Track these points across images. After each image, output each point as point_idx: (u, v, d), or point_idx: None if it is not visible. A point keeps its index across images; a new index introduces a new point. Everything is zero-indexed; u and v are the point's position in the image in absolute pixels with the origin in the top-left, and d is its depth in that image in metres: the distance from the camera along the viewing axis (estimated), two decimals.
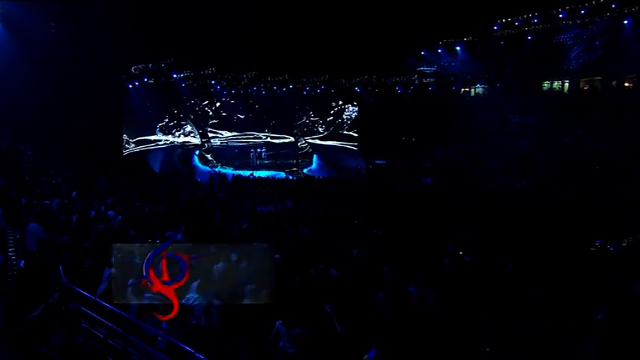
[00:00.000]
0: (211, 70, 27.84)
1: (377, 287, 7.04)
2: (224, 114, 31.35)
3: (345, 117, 32.65)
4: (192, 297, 5.05)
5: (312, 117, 32.62)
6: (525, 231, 12.34)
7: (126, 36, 21.57)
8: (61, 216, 9.34)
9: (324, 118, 32.72)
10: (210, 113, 31.16)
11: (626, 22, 23.24)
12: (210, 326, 4.90)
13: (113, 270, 6.03)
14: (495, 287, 8.04)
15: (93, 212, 10.96)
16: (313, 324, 5.03)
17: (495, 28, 27.75)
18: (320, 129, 32.79)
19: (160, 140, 29.23)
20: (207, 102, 30.75)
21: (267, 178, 25.12)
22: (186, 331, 4.76)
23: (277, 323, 4.75)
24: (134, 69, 26.01)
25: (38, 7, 19.68)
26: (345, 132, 32.59)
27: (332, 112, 32.67)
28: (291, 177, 27.54)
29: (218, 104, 31.08)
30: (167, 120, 29.41)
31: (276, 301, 5.45)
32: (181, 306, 4.97)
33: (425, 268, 8.45)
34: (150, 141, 28.65)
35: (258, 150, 31.43)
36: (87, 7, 20.11)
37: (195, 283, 5.49)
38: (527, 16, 26.50)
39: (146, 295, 5.22)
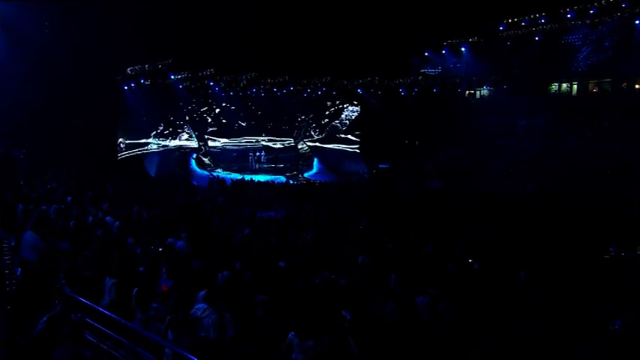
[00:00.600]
0: (210, 71, 27.84)
1: (385, 297, 7.03)
2: (224, 121, 31.36)
3: (343, 118, 32.61)
4: (201, 308, 5.02)
5: (310, 120, 32.66)
6: (530, 232, 12.54)
7: (123, 36, 21.61)
8: (59, 222, 9.33)
9: (318, 121, 32.72)
10: (209, 120, 31.17)
11: (637, 22, 23.30)
12: (220, 339, 4.87)
13: (115, 280, 6.01)
14: (503, 291, 8.13)
15: (90, 218, 10.95)
16: (326, 336, 5.01)
17: (501, 28, 27.83)
18: (313, 132, 32.78)
19: (156, 144, 29.21)
20: (205, 108, 30.74)
21: (266, 183, 25.09)
22: (194, 342, 4.74)
23: (290, 335, 4.73)
24: (130, 70, 26.01)
25: (32, 7, 19.74)
26: (342, 135, 32.58)
27: (327, 112, 32.61)
28: (291, 181, 27.53)
29: (217, 110, 31.08)
30: (162, 128, 29.36)
31: (287, 312, 5.45)
32: (189, 317, 4.96)
33: (432, 275, 8.49)
34: (145, 144, 28.63)
35: (257, 153, 31.44)
36: (83, 6, 20.15)
37: (201, 293, 5.48)
38: (535, 16, 26.58)
39: (152, 305, 5.21)
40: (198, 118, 30.74)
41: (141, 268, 7.02)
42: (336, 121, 32.69)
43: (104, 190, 15.92)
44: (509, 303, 7.59)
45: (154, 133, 29.00)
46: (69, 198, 13.03)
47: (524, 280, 8.72)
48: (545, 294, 8.01)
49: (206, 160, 30.68)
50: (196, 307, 5.12)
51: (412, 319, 6.92)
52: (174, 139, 30.02)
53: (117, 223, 10.83)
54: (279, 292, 6.58)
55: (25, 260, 7.20)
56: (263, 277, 7.57)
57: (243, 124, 31.70)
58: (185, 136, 30.34)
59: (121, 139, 26.89)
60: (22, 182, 14.06)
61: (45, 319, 4.47)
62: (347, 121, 32.65)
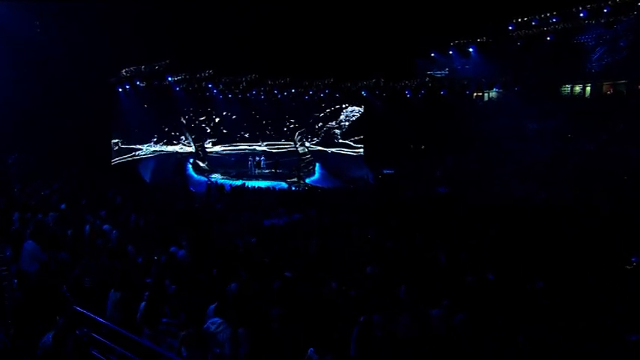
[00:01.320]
0: (209, 73, 27.83)
1: (397, 309, 7.03)
2: (224, 131, 31.39)
3: (343, 119, 32.58)
4: (216, 322, 5.01)
5: (310, 122, 32.73)
6: (539, 234, 12.65)
7: (120, 36, 21.65)
8: (57, 230, 9.34)
9: (313, 125, 32.77)
10: (209, 130, 31.20)
11: None
12: (236, 355, 4.86)
13: (121, 293, 6.00)
14: (510, 293, 8.17)
15: (87, 226, 10.95)
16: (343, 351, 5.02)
17: (511, 28, 27.81)
18: (305, 139, 32.83)
19: (151, 150, 29.19)
20: (204, 117, 30.77)
21: (267, 189, 25.09)
22: (208, 358, 4.74)
23: (309, 351, 4.73)
24: (125, 71, 26.00)
25: (25, 7, 19.83)
26: (342, 140, 32.59)
27: (321, 115, 32.58)
28: (293, 188, 27.51)
29: (217, 120, 31.10)
30: (156, 139, 29.39)
31: (302, 326, 5.45)
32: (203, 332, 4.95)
33: (443, 284, 8.50)
34: (140, 149, 28.60)
35: (257, 158, 31.37)
36: (78, 6, 20.23)
37: (211, 307, 5.48)
38: (546, 15, 26.52)
39: (162, 320, 5.21)
40: (197, 128, 30.81)
41: (148, 280, 6.99)
42: (333, 122, 32.63)
43: (104, 196, 15.93)
44: (517, 304, 7.65)
45: (147, 145, 28.96)
46: (63, 205, 13.04)
47: (533, 282, 8.77)
48: (554, 295, 8.06)
49: (204, 165, 30.65)
50: (210, 321, 5.11)
51: (426, 331, 6.93)
52: (171, 146, 30.05)
53: (114, 231, 10.85)
54: (289, 303, 6.58)
55: (24, 272, 7.18)
56: (271, 288, 7.58)
57: (246, 135, 31.74)
58: (180, 145, 30.42)
59: (115, 141, 26.85)
60: (16, 188, 14.06)
61: (50, 335, 4.47)
62: (347, 122, 32.54)
